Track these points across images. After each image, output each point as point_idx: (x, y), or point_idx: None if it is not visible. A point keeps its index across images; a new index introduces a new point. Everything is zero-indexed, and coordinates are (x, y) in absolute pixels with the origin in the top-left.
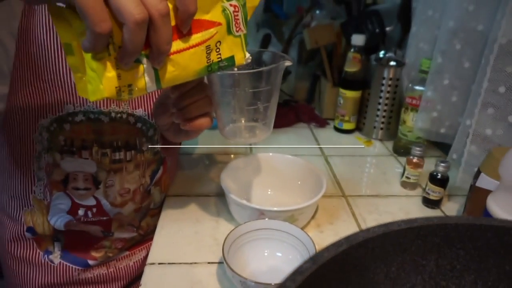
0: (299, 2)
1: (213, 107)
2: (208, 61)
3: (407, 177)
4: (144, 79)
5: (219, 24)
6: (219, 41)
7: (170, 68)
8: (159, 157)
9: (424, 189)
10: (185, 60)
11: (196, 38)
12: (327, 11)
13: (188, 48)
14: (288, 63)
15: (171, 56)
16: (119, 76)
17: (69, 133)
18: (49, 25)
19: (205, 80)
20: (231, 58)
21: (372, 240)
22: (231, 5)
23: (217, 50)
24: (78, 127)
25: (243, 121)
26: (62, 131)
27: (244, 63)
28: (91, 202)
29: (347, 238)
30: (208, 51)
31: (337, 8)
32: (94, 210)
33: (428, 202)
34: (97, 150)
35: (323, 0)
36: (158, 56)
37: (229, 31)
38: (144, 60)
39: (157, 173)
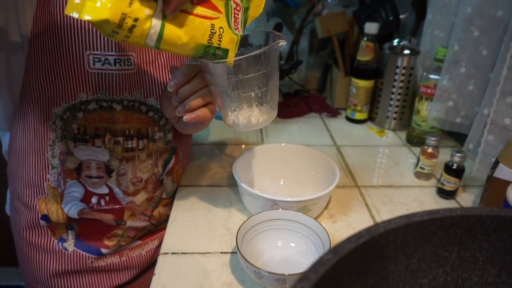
0: None
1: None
2: (209, 41)
3: (421, 168)
4: (150, 22)
5: (220, 12)
6: (222, 28)
7: (176, 26)
8: (171, 146)
9: (438, 180)
10: (192, 25)
11: (202, 10)
12: None
13: (197, 15)
14: (283, 43)
15: (182, 14)
16: (130, 3)
17: (82, 121)
18: (64, 15)
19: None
20: (226, 52)
21: (393, 232)
22: (235, 2)
23: (219, 36)
24: (91, 115)
25: (244, 108)
26: (76, 119)
27: (231, 65)
28: (104, 190)
29: (368, 230)
30: (212, 31)
31: None
32: (107, 198)
33: (443, 193)
34: (109, 139)
35: None
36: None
37: (229, 24)
38: (160, 1)
39: (169, 162)
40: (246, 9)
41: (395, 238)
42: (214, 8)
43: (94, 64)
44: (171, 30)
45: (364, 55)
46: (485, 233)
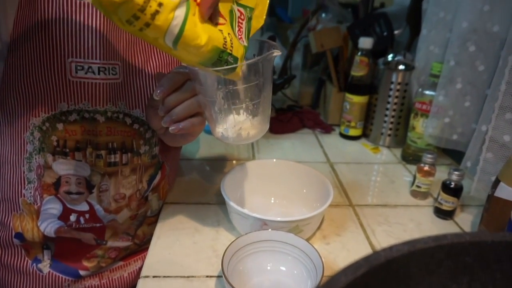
0: (305, 5)
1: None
2: (224, 45)
3: (417, 186)
4: (173, 14)
5: (224, 19)
6: (230, 34)
7: (196, 23)
8: (157, 161)
9: (436, 199)
10: (207, 26)
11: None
12: (333, 14)
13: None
14: (277, 53)
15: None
16: None
17: (62, 133)
18: (45, 18)
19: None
20: (236, 60)
21: (395, 261)
22: (239, 10)
23: (231, 42)
24: (72, 127)
25: (233, 121)
26: (55, 131)
27: (238, 79)
28: (84, 207)
29: (367, 259)
30: (223, 35)
31: (344, 11)
32: (87, 216)
33: (441, 213)
34: (91, 152)
35: (329, 3)
36: None
37: (234, 32)
38: None
39: (154, 178)
40: (250, 19)
41: (397, 268)
42: (220, 14)
43: (76, 72)
44: (192, 25)
45: (358, 70)
46: (498, 261)
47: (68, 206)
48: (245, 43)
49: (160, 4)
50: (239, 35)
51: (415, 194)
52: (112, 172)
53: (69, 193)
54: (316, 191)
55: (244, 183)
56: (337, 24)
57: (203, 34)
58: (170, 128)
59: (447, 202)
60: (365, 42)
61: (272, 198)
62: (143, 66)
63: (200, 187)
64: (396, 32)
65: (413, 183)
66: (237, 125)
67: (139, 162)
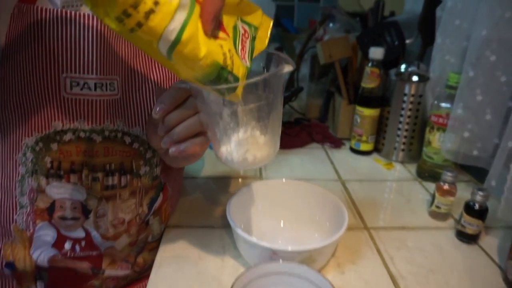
0: (311, 15)
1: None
2: (224, 61)
3: (437, 206)
4: (171, 16)
5: (227, 34)
6: (230, 50)
7: (199, 33)
8: (158, 182)
9: (458, 222)
10: (207, 38)
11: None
12: (341, 24)
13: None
14: (289, 69)
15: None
16: None
17: (56, 154)
18: (39, 30)
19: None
20: (237, 80)
21: None
22: (243, 28)
23: (231, 59)
24: (67, 147)
25: (238, 143)
26: (49, 151)
27: (237, 101)
28: (80, 234)
29: None
30: (223, 51)
31: (351, 21)
32: (83, 243)
33: (464, 236)
34: (87, 174)
35: (336, 13)
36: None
37: (236, 50)
38: None
39: (156, 201)
40: (254, 39)
41: None
42: (222, 28)
43: (71, 89)
44: (192, 33)
45: (369, 82)
46: None
47: (63, 232)
48: (248, 64)
49: (156, 3)
50: (242, 54)
51: (434, 215)
52: (110, 195)
53: (63, 218)
54: (329, 214)
55: (251, 205)
56: (344, 33)
57: (203, 47)
58: (170, 150)
59: (471, 225)
60: (376, 53)
61: (282, 222)
62: (144, 80)
63: (204, 208)
64: (407, 41)
65: (431, 203)
66: (243, 147)
67: (139, 185)
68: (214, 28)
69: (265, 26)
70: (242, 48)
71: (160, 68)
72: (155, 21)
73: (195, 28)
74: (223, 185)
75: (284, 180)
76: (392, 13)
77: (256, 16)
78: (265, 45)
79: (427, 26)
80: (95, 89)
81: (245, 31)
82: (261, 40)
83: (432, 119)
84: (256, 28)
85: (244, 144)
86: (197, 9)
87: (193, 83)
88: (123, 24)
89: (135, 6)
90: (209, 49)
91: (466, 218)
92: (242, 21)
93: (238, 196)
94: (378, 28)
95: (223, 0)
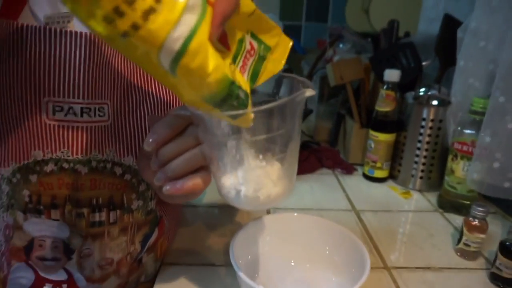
0: (319, 35)
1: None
2: (232, 75)
3: (465, 244)
4: (177, 17)
5: (228, 47)
6: (230, 64)
7: (208, 42)
8: (153, 216)
9: (493, 263)
10: (213, 50)
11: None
12: (352, 44)
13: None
14: (310, 93)
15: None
16: None
17: (35, 186)
18: (20, 50)
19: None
20: (247, 97)
21: None
22: (251, 43)
23: (233, 72)
24: (48, 179)
25: (247, 179)
26: (27, 184)
27: (248, 126)
28: (61, 276)
29: None
30: (231, 63)
31: (363, 42)
32: (64, 286)
33: (499, 280)
34: (70, 210)
35: (345, 33)
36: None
37: (235, 65)
38: None
39: (150, 237)
40: (261, 59)
41: None
42: (225, 40)
43: (54, 114)
44: (202, 41)
45: (384, 106)
46: None
47: (42, 274)
48: (246, 87)
49: (158, 0)
50: (241, 71)
51: (462, 253)
52: (97, 233)
53: (42, 259)
54: (346, 253)
55: (258, 242)
56: (355, 54)
57: (212, 60)
58: (164, 188)
59: (508, 269)
60: (392, 75)
61: (292, 261)
62: (139, 104)
63: (205, 242)
64: (424, 63)
65: (459, 240)
66: (254, 184)
67: (131, 220)
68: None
69: (283, 47)
70: (243, 66)
71: (159, 89)
72: (157, 23)
73: (205, 35)
74: (227, 214)
75: (295, 214)
76: (407, 34)
77: (272, 35)
78: (280, 68)
79: (445, 48)
80: (82, 115)
81: (252, 47)
82: (277, 62)
83: (455, 147)
84: (268, 48)
85: (255, 180)
86: (209, 12)
87: (197, 107)
88: (113, 26)
89: (131, 2)
90: (217, 62)
91: (502, 260)
92: (253, 36)
93: (243, 232)
94: (392, 49)
95: (237, 4)
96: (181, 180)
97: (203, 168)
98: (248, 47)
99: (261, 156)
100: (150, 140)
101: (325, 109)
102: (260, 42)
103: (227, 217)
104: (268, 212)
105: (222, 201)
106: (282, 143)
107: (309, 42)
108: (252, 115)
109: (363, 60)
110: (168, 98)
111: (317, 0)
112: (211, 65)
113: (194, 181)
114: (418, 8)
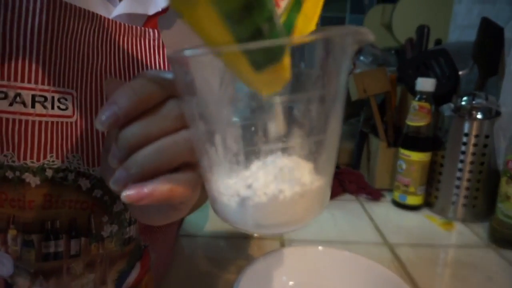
0: None
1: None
2: None
3: None
4: None
5: None
6: None
7: None
8: (134, 247)
9: None
10: None
11: None
12: (373, 58)
13: None
14: (368, 36)
15: None
16: None
17: None
18: None
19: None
20: (282, 31)
21: None
22: None
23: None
24: None
25: (264, 178)
26: None
27: (283, 84)
28: None
29: None
30: None
31: (386, 54)
32: None
33: None
34: (15, 236)
35: (366, 46)
36: None
37: None
38: None
39: (128, 275)
40: (298, 3)
41: None
42: None
43: None
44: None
45: (417, 120)
46: None
47: None
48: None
49: None
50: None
51: None
52: (52, 269)
53: None
54: None
55: (271, 282)
56: (377, 67)
57: None
58: (124, 193)
59: None
60: (426, 84)
61: None
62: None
63: (205, 281)
64: (461, 72)
65: None
66: (271, 188)
67: (101, 252)
68: None
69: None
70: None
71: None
72: None
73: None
74: (234, 246)
75: (320, 247)
76: (439, 41)
77: None
78: (311, 28)
79: (485, 54)
80: (33, 105)
81: None
82: (307, 19)
83: (510, 167)
84: None
85: (273, 184)
86: None
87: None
88: None
89: None
90: None
91: None
92: None
93: (253, 269)
94: (423, 57)
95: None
96: (152, 181)
97: (188, 165)
98: None
99: (275, 143)
100: (104, 115)
101: (344, 128)
102: None
103: (233, 249)
104: (283, 244)
105: (229, 229)
106: (320, 118)
107: None
108: (288, 61)
109: (388, 72)
110: None
111: (333, 17)
112: None
113: (172, 185)
114: (448, 17)
